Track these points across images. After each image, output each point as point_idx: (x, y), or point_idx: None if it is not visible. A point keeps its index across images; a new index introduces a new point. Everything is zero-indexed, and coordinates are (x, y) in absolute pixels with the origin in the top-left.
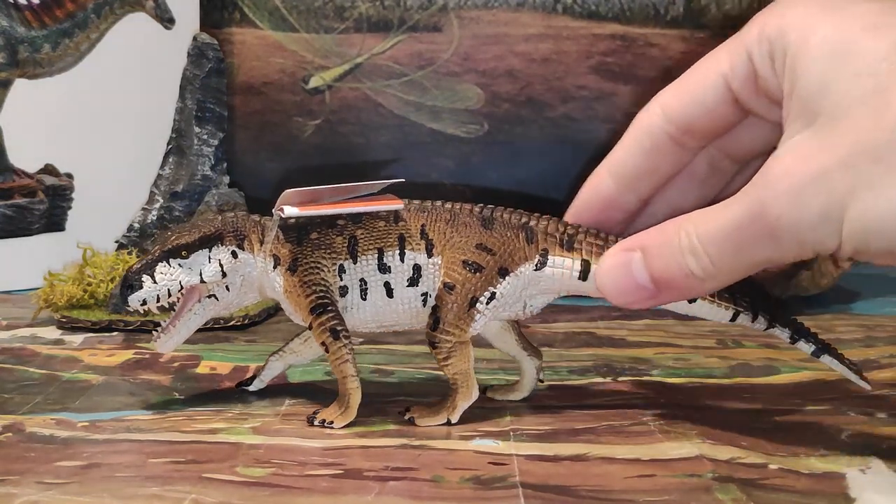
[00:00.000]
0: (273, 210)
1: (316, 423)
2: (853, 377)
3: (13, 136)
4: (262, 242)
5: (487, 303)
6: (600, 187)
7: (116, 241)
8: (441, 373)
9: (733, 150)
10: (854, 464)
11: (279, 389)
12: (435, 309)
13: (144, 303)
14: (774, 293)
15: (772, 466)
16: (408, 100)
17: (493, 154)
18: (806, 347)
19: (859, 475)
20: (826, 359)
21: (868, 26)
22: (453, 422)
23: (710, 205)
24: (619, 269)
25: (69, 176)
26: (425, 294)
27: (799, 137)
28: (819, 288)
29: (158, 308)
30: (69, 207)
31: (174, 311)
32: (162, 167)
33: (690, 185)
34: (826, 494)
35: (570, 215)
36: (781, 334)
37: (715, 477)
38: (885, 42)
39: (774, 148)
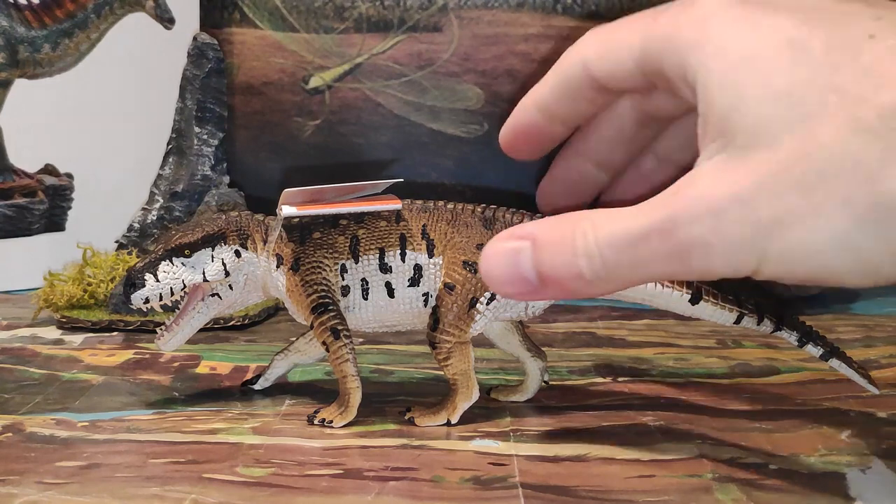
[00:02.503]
0: (277, 209)
1: (316, 422)
2: (861, 381)
3: (13, 136)
4: (265, 242)
5: (488, 303)
6: (527, 117)
7: (116, 241)
8: (441, 373)
9: (653, 111)
10: (854, 464)
11: (279, 389)
12: (435, 309)
13: (147, 301)
14: (776, 293)
15: (772, 466)
16: (408, 100)
17: (493, 154)
18: (814, 351)
19: (859, 475)
20: (834, 362)
21: (788, 43)
22: (453, 422)
23: (630, 167)
24: (505, 256)
25: (69, 176)
26: (426, 294)
27: (718, 158)
28: (819, 288)
29: (161, 307)
30: (69, 207)
31: (177, 309)
32: (162, 167)
33: (619, 143)
34: (826, 494)
35: (505, 142)
36: (789, 337)
37: (715, 477)
38: (805, 62)
39: (689, 114)
